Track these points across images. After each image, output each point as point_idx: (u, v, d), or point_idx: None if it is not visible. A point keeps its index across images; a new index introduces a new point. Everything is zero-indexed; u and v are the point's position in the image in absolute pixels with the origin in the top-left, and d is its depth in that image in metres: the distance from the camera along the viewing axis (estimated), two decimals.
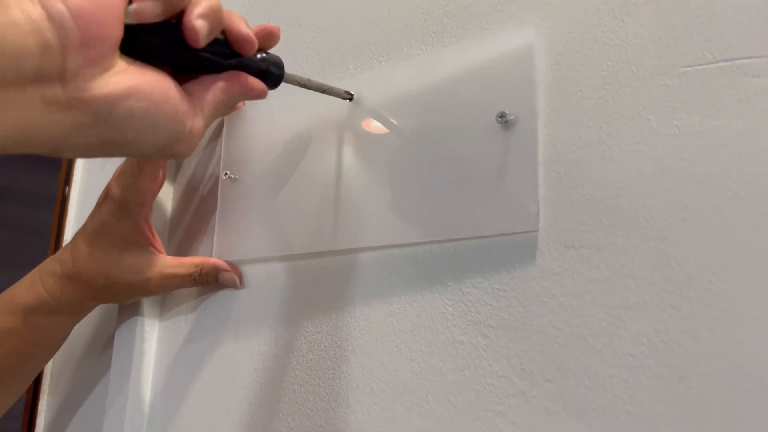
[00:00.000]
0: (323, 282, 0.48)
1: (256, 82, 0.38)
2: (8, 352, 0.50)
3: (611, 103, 0.38)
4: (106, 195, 0.51)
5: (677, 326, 0.34)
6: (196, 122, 0.35)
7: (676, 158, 0.35)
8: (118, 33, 0.30)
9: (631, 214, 0.36)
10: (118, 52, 0.31)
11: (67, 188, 0.72)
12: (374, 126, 0.46)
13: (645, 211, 0.35)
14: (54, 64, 0.28)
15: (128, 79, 0.31)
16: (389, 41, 0.48)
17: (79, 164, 0.73)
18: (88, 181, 0.71)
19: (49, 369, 0.66)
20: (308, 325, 0.48)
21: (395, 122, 0.45)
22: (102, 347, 0.61)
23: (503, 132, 0.40)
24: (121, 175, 0.50)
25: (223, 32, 0.36)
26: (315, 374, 0.46)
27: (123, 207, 0.50)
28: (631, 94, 0.37)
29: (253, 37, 0.37)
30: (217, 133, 0.58)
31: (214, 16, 0.34)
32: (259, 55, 0.39)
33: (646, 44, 0.37)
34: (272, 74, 0.39)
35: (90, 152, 0.32)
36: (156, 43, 0.33)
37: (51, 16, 0.28)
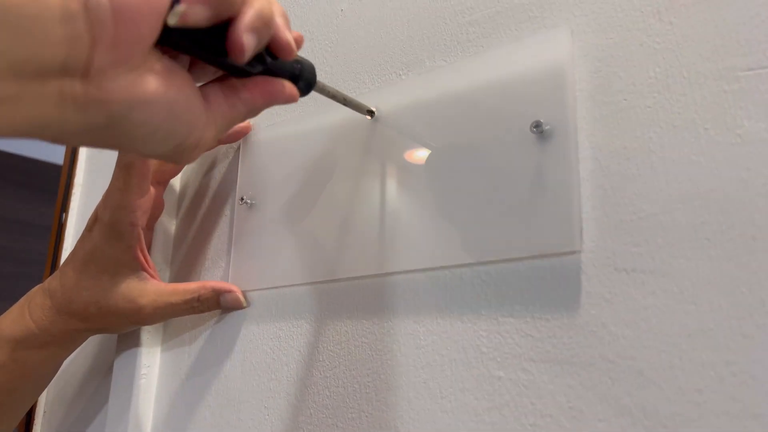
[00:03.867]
0: (340, 312, 0.44)
1: (287, 88, 0.35)
2: None
3: (661, 112, 0.34)
4: (95, 219, 0.49)
5: (749, 356, 0.30)
6: (208, 134, 0.32)
7: (739, 169, 0.32)
8: (155, 33, 0.27)
9: (689, 232, 0.32)
10: (149, 51, 0.27)
11: (64, 215, 0.69)
12: (397, 144, 0.43)
13: (705, 228, 0.32)
14: (80, 59, 0.25)
15: (154, 84, 0.27)
16: (409, 53, 0.45)
17: (78, 190, 0.69)
18: (87, 207, 0.67)
19: (41, 405, 0.62)
20: (324, 359, 0.44)
21: (419, 139, 0.42)
22: (99, 380, 0.58)
23: (539, 143, 0.37)
24: (107, 195, 0.48)
25: None
26: (332, 413, 0.42)
27: (113, 229, 0.47)
28: (683, 102, 0.34)
29: (294, 45, 0.33)
30: (230, 142, 0.55)
31: (264, 28, 0.30)
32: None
33: (699, 47, 0.34)
34: (306, 80, 0.36)
35: (87, 145, 0.28)
36: (193, 49, 0.30)
37: (89, 7, 0.24)
